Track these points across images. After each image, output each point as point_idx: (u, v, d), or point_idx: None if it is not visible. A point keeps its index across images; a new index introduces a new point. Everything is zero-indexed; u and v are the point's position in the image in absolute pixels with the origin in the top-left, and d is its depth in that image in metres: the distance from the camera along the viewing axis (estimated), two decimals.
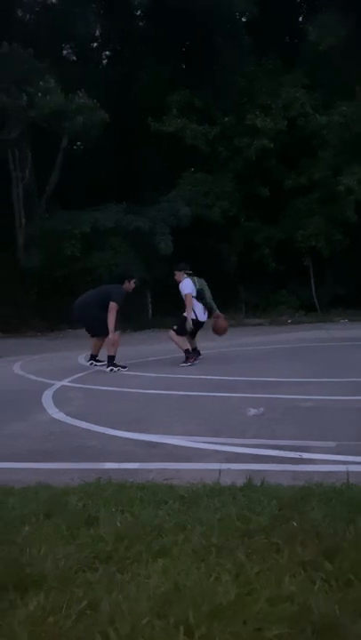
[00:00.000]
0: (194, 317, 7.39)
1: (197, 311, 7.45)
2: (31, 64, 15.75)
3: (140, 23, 22.04)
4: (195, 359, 7.34)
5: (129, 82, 19.17)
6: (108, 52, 23.31)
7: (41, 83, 15.49)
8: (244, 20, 19.58)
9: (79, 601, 1.48)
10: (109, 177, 18.93)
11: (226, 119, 17.22)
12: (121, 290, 7.15)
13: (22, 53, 15.61)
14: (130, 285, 7.31)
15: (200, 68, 18.60)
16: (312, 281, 18.34)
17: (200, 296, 7.50)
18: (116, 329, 6.98)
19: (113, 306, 6.89)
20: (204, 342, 10.34)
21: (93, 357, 7.42)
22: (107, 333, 6.95)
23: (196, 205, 16.89)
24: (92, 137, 16.99)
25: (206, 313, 7.59)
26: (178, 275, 7.64)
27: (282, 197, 17.58)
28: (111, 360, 7.02)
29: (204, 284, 7.74)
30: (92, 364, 7.43)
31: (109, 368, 6.98)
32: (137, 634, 1.32)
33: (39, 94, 15.40)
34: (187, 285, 7.47)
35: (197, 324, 7.52)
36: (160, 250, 15.98)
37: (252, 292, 18.00)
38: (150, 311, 17.32)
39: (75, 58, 22.53)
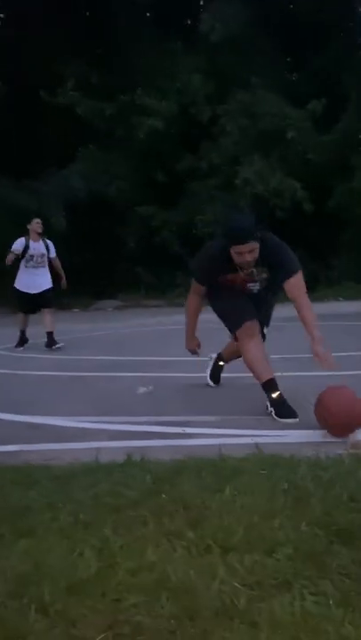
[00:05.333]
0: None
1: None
2: None
3: None
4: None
5: (22, 51, 18.23)
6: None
7: None
8: None
9: None
10: (3, 149, 17.99)
11: (122, 97, 16.92)
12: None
13: None
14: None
15: (100, 44, 18.12)
16: None
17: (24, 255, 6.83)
18: None
19: None
20: (101, 323, 10.22)
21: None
22: None
23: (93, 182, 16.51)
24: None
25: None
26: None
27: (180, 181, 17.67)
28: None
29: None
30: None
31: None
32: None
33: None
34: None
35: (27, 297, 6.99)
36: (51, 225, 15.46)
37: (152, 273, 18.01)
38: None
39: None
